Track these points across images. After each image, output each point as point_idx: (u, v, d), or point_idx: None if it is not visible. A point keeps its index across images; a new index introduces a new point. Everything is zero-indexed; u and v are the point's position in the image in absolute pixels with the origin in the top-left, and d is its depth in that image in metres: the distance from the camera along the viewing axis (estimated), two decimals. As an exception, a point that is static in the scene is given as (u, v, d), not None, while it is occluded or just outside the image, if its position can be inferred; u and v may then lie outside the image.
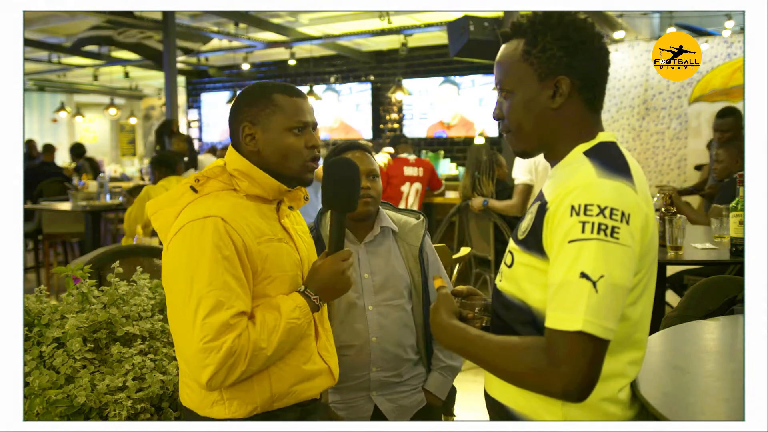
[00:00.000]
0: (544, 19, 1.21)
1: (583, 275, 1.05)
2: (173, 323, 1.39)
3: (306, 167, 1.48)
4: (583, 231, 1.06)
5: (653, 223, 1.16)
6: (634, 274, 1.12)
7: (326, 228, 1.99)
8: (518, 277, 1.20)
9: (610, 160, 1.16)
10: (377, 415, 1.95)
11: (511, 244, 1.25)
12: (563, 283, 1.07)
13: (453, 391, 2.08)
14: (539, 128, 1.23)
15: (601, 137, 1.22)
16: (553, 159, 1.26)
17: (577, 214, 1.08)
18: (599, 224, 1.06)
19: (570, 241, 1.07)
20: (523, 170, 4.09)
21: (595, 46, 1.21)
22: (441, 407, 2.03)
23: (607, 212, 1.07)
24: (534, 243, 1.16)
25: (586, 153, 1.19)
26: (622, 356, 1.17)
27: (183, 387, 1.47)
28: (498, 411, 1.27)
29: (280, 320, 1.38)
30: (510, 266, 1.23)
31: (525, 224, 1.21)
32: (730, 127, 4.37)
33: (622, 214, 1.07)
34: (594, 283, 1.04)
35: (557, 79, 1.20)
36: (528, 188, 4.05)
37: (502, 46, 1.28)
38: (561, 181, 1.17)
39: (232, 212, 1.39)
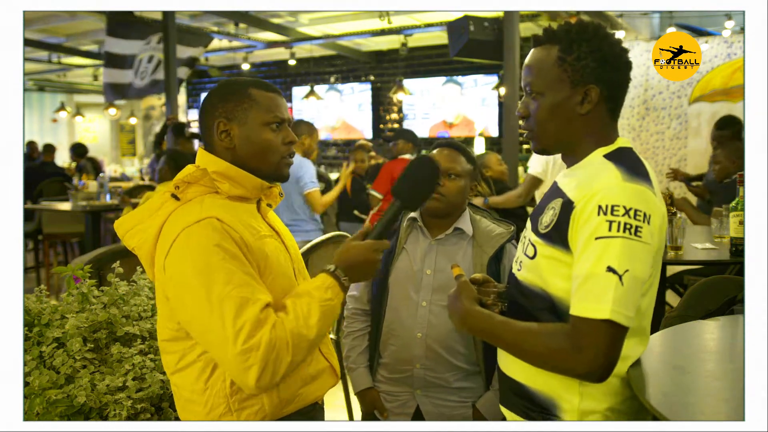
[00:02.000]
0: (580, 30, 1.30)
1: (610, 269, 1.14)
2: (201, 338, 1.31)
3: (283, 162, 1.45)
4: (609, 229, 1.16)
5: (666, 220, 1.27)
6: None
7: (405, 221, 1.99)
8: (541, 267, 1.29)
9: (633, 165, 1.26)
10: (419, 416, 1.93)
11: (533, 237, 1.32)
12: (590, 275, 1.16)
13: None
14: (564, 130, 1.32)
15: (620, 143, 1.32)
16: (571, 158, 1.35)
17: (605, 213, 1.17)
18: (625, 224, 1.16)
19: (597, 238, 1.17)
20: (538, 164, 4.04)
21: (623, 61, 1.32)
22: None
23: (631, 213, 1.17)
24: (558, 237, 1.25)
25: (607, 156, 1.29)
26: (632, 341, 1.27)
27: (184, 403, 1.39)
28: (514, 389, 1.36)
29: (313, 304, 1.33)
30: (532, 258, 1.31)
31: (548, 219, 1.29)
32: (729, 139, 4.40)
33: (645, 215, 1.18)
34: (620, 277, 1.14)
35: (588, 87, 1.29)
36: (537, 181, 4.00)
37: (534, 50, 1.36)
38: (585, 181, 1.25)
39: (224, 212, 1.35)
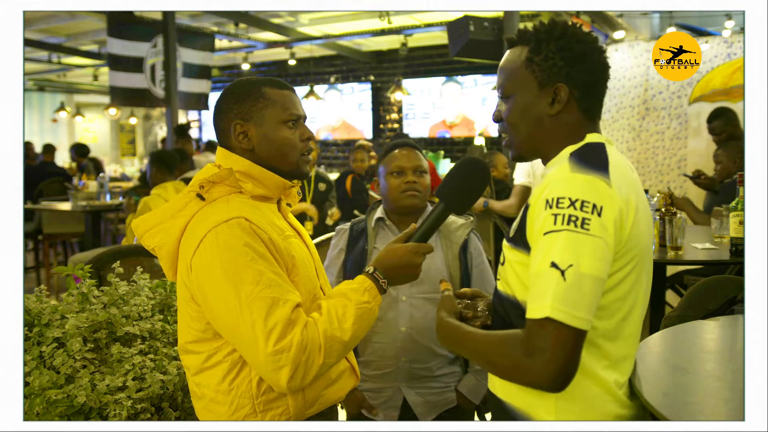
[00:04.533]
0: (549, 29, 1.25)
1: (553, 265, 1.07)
2: (231, 338, 1.30)
3: (302, 159, 1.45)
4: (555, 223, 1.09)
5: (634, 217, 1.16)
6: (619, 268, 1.14)
7: (372, 222, 2.06)
8: (509, 273, 1.24)
9: (587, 157, 1.18)
10: (406, 408, 1.98)
11: (504, 244, 1.29)
12: (537, 273, 1.10)
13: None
14: (535, 132, 1.27)
15: (589, 138, 1.25)
16: (547, 161, 1.30)
17: (550, 207, 1.11)
18: (569, 216, 1.09)
19: (545, 234, 1.11)
20: (522, 173, 4.16)
21: (595, 59, 1.25)
22: (472, 410, 2.04)
23: (577, 204, 1.09)
24: (520, 239, 1.20)
25: (572, 153, 1.21)
26: (612, 352, 1.18)
27: (207, 403, 1.37)
28: (497, 406, 1.29)
29: (349, 306, 1.32)
30: (503, 264, 1.28)
31: (515, 223, 1.25)
32: (722, 129, 4.46)
33: (594, 206, 1.09)
34: (562, 272, 1.06)
35: (556, 86, 1.24)
36: (526, 190, 4.11)
37: (507, 52, 1.32)
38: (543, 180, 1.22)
39: (251, 212, 1.34)
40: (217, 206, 1.35)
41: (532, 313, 1.08)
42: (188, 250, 1.33)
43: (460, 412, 2.02)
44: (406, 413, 1.99)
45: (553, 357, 1.05)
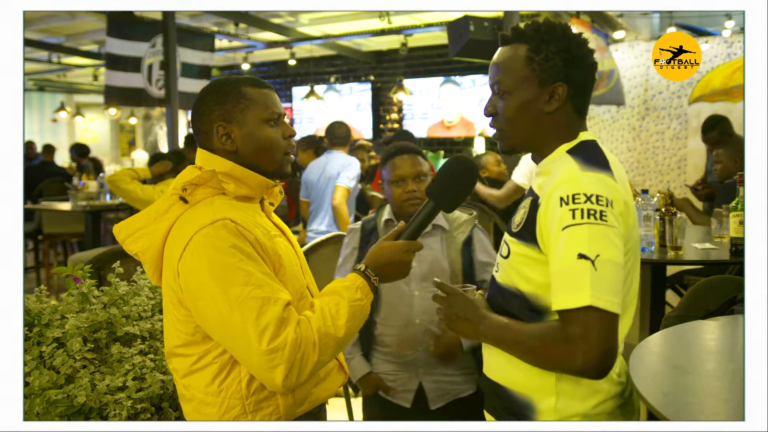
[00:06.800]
0: (549, 30, 1.30)
1: (581, 256, 1.13)
2: (223, 340, 1.29)
3: (286, 159, 1.44)
4: (573, 217, 1.15)
5: (633, 209, 1.25)
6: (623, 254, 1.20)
7: (381, 223, 2.14)
8: (514, 266, 1.29)
9: (591, 156, 1.26)
10: (420, 393, 2.06)
11: (507, 237, 1.33)
12: (563, 266, 1.15)
13: None
14: (531, 128, 1.32)
15: (582, 136, 1.32)
16: (539, 157, 1.36)
17: (566, 203, 1.17)
18: (588, 210, 1.15)
19: (563, 228, 1.16)
20: (521, 173, 4.17)
21: (588, 61, 1.32)
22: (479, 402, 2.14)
23: (593, 199, 1.16)
24: (529, 235, 1.25)
25: (569, 151, 1.29)
26: None
27: (197, 405, 1.36)
28: (495, 392, 1.35)
29: (342, 303, 1.33)
30: (506, 257, 1.32)
31: (519, 218, 1.30)
32: (717, 140, 4.49)
33: (607, 199, 1.17)
34: (592, 262, 1.12)
35: (555, 85, 1.29)
36: (519, 189, 4.13)
37: (502, 49, 1.36)
38: (548, 178, 1.27)
39: (236, 213, 1.33)
40: (201, 209, 1.34)
41: (569, 303, 1.13)
42: (174, 253, 1.32)
43: (468, 403, 2.08)
44: (419, 396, 2.06)
45: (596, 342, 1.11)
